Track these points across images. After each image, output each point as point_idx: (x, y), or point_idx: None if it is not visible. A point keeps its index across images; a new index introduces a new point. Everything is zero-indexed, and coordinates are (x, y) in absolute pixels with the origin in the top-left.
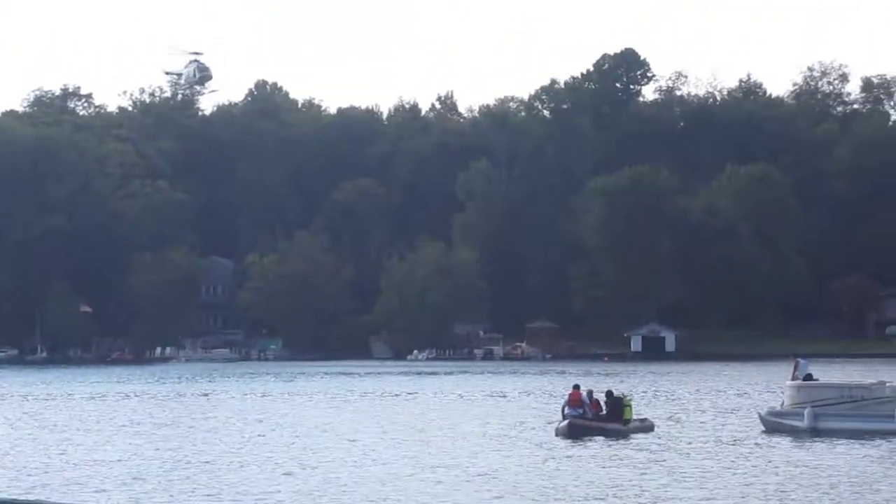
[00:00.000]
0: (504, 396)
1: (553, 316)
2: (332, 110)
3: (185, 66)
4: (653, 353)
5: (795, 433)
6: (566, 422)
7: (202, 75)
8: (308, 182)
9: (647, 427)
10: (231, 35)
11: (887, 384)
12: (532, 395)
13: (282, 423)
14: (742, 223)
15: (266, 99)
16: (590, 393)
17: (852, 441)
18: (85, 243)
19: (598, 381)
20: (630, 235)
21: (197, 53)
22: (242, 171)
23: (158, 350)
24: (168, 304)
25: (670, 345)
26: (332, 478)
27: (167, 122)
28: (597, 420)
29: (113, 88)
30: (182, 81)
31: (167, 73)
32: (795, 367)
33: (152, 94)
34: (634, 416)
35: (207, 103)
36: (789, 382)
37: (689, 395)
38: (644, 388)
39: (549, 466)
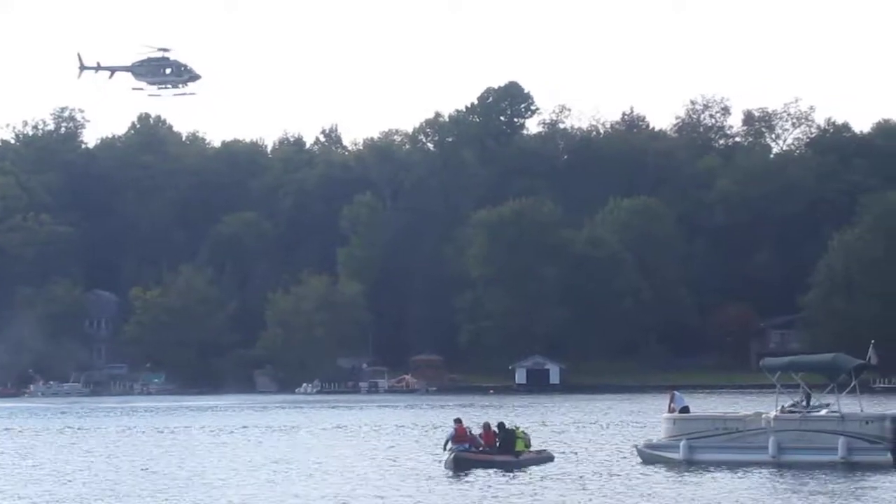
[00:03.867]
0: (385, 430)
1: (438, 348)
2: (217, 143)
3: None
4: (537, 385)
5: (671, 465)
6: (452, 455)
7: (190, 76)
8: (192, 215)
9: (545, 458)
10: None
11: (763, 415)
12: (414, 427)
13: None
14: (625, 255)
15: (149, 132)
16: (486, 425)
17: (726, 472)
18: None
19: (482, 414)
20: (514, 267)
21: (165, 50)
22: (126, 205)
23: (52, 383)
24: (51, 338)
25: (555, 377)
26: None
27: (50, 155)
28: (487, 453)
29: None
30: (150, 85)
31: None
32: (672, 400)
33: (35, 127)
34: (533, 448)
35: (90, 136)
36: (665, 415)
37: (569, 428)
38: (527, 420)
39: (434, 499)
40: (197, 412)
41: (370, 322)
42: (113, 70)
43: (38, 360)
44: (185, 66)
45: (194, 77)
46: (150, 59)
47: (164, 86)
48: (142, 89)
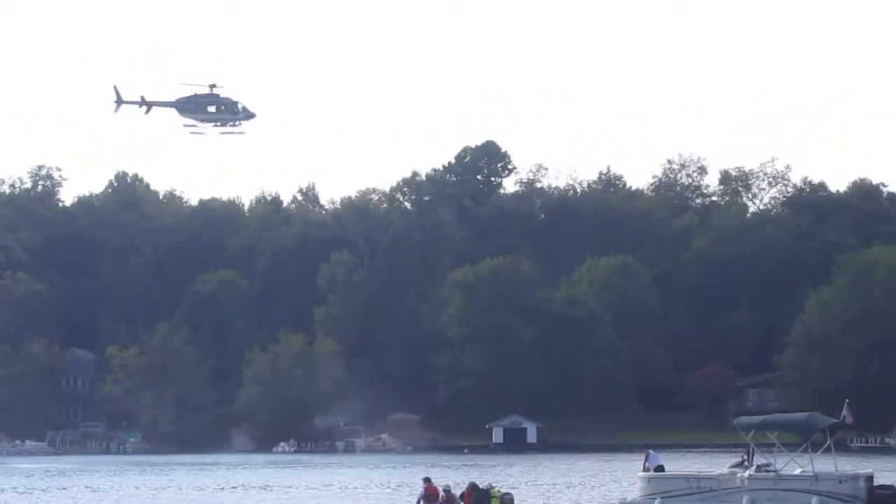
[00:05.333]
0: (359, 490)
1: (415, 407)
2: (194, 202)
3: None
4: (514, 444)
5: None
6: None
7: (246, 115)
8: (169, 273)
9: None
10: (89, 126)
11: (738, 474)
12: (387, 487)
13: None
14: (602, 314)
15: (127, 190)
16: (447, 489)
17: None
18: None
19: (457, 474)
20: (491, 326)
21: (213, 86)
22: (103, 263)
23: (17, 442)
24: (28, 397)
25: (532, 436)
26: None
27: (27, 213)
28: None
29: None
30: (203, 122)
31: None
32: (646, 458)
33: (12, 185)
34: None
35: (68, 194)
36: (640, 473)
37: (545, 487)
38: (502, 481)
39: None
40: (175, 469)
41: (347, 381)
42: (150, 105)
43: (10, 419)
44: (238, 104)
45: (250, 115)
46: (197, 96)
47: (217, 123)
48: (195, 126)
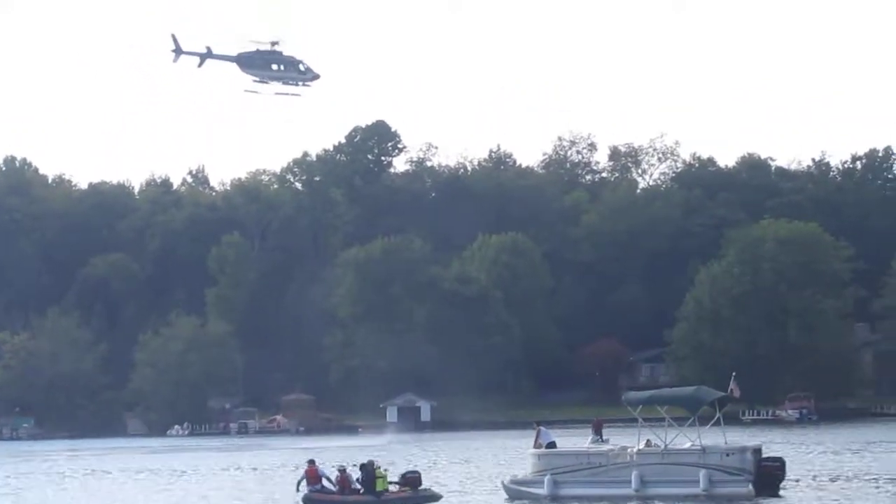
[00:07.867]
0: (250, 471)
1: (309, 388)
2: (83, 185)
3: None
4: (408, 423)
5: (536, 500)
6: (302, 496)
7: (313, 75)
8: (59, 258)
9: (425, 497)
10: None
11: (628, 450)
12: (272, 468)
13: None
14: (494, 291)
15: (15, 174)
16: (342, 469)
17: None
18: None
19: (351, 454)
20: (383, 306)
21: (275, 43)
22: None
23: None
24: None
25: (426, 414)
26: None
27: None
28: (341, 493)
29: None
30: (270, 80)
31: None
32: (538, 435)
33: None
34: (424, 486)
35: None
36: (531, 450)
37: (437, 465)
38: (395, 459)
39: None
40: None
41: (240, 362)
42: (206, 58)
43: None
44: (302, 63)
45: (315, 76)
46: (261, 52)
47: (287, 81)
48: (265, 83)
